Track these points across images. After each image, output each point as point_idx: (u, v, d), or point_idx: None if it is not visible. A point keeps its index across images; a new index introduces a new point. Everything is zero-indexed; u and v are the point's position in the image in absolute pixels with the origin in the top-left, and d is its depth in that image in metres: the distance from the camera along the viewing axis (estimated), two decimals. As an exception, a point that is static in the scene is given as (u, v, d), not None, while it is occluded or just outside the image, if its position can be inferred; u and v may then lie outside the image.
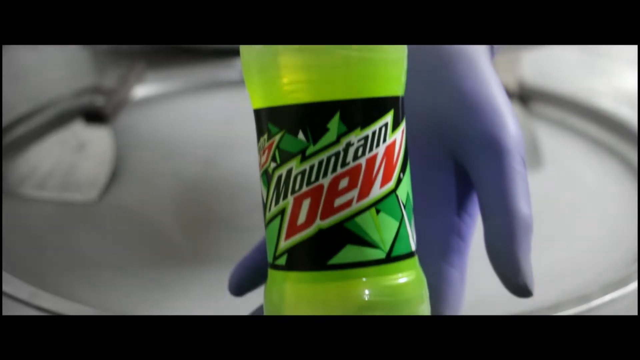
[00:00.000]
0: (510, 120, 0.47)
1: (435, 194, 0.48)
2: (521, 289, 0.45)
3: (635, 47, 0.91)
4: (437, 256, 0.47)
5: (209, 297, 0.57)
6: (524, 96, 0.85)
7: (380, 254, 0.42)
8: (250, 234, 0.51)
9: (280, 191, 0.43)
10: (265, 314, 0.44)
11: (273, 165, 0.43)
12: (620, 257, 0.62)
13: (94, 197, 0.70)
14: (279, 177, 0.43)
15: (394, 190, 0.43)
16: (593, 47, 0.97)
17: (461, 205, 0.48)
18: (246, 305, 0.49)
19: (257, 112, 0.44)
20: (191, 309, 0.57)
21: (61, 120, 0.79)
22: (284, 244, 0.43)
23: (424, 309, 0.44)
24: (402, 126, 0.44)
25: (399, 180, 0.43)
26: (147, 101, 0.87)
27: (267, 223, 0.44)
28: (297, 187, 0.42)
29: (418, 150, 0.48)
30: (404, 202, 0.44)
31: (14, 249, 0.63)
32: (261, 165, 0.44)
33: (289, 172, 0.43)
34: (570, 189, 0.73)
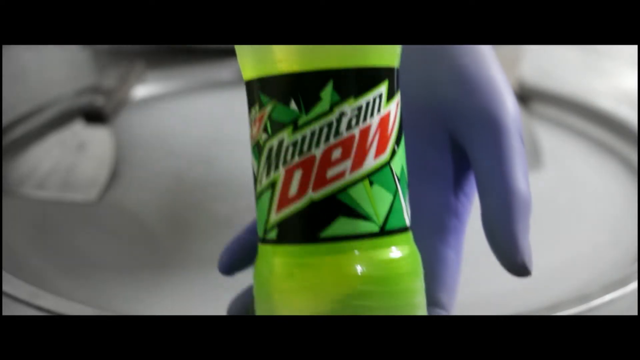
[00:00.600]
0: (508, 97, 0.46)
1: (432, 172, 0.47)
2: (519, 268, 0.44)
3: (635, 47, 0.91)
4: (433, 235, 0.47)
5: (209, 296, 0.57)
6: (524, 96, 0.85)
7: (373, 227, 0.42)
8: (250, 234, 0.51)
9: (271, 163, 0.42)
10: (255, 290, 0.44)
11: (264, 136, 0.42)
12: (620, 257, 0.62)
13: (94, 197, 0.70)
14: (270, 149, 0.42)
15: (388, 162, 0.42)
16: (593, 47, 0.97)
17: (458, 185, 0.47)
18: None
19: (249, 84, 0.43)
20: (191, 308, 0.57)
21: (61, 120, 0.79)
22: (274, 217, 0.42)
23: (418, 285, 0.43)
24: (397, 98, 0.43)
25: (394, 153, 0.43)
26: (147, 101, 0.87)
27: (258, 197, 0.43)
28: (288, 158, 0.42)
29: (415, 127, 0.47)
30: (399, 176, 0.43)
31: (14, 249, 0.63)
32: (252, 138, 0.43)
33: (280, 143, 0.42)
34: (570, 189, 0.73)
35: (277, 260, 0.42)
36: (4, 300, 0.54)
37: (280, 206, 0.42)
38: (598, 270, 0.60)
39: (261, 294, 0.43)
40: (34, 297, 0.54)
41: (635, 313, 0.54)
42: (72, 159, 0.75)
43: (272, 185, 0.42)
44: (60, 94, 0.82)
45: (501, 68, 0.48)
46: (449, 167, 0.47)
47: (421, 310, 0.43)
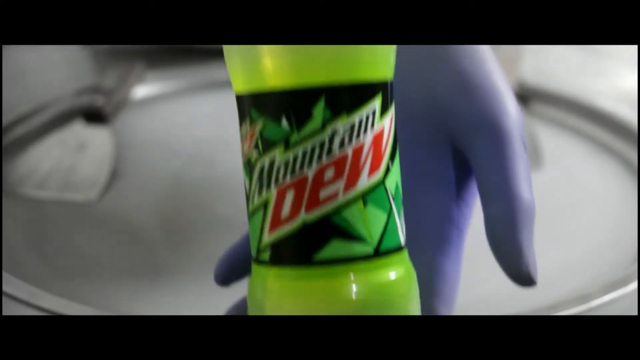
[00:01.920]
0: (509, 101, 0.45)
1: (431, 180, 0.46)
2: (524, 277, 0.43)
3: (635, 47, 0.91)
4: (433, 247, 0.46)
5: (209, 296, 0.57)
6: (524, 96, 0.85)
7: (368, 249, 0.41)
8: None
9: (263, 182, 0.41)
10: (249, 310, 0.44)
11: (255, 154, 0.41)
12: (620, 257, 0.62)
13: (94, 197, 0.70)
14: (262, 167, 0.41)
15: (382, 181, 0.41)
16: (593, 47, 0.97)
17: (459, 194, 0.46)
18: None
19: (239, 98, 0.42)
20: (191, 308, 0.57)
21: (61, 120, 0.79)
22: (267, 238, 0.42)
23: (414, 306, 0.43)
24: (391, 112, 0.42)
25: (388, 170, 0.42)
26: (147, 101, 0.87)
27: (250, 215, 0.42)
28: (280, 177, 0.41)
29: (414, 133, 0.46)
30: (393, 194, 0.42)
31: (14, 249, 0.63)
32: (243, 154, 0.42)
33: (272, 161, 0.41)
34: (570, 189, 0.73)
35: (270, 282, 0.42)
36: (4, 300, 0.54)
37: (273, 227, 0.41)
38: (598, 270, 0.60)
39: (255, 314, 0.43)
40: (34, 297, 0.54)
41: (635, 313, 0.54)
42: (72, 159, 0.75)
43: (264, 205, 0.41)
44: (60, 94, 0.83)
45: (502, 71, 0.47)
46: (450, 176, 0.46)
47: None
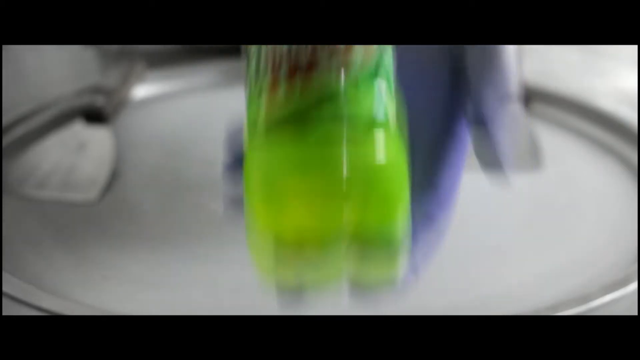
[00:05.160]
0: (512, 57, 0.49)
1: (433, 93, 0.49)
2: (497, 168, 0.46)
3: (635, 47, 0.91)
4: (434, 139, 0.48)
5: (210, 296, 0.57)
6: (524, 96, 0.85)
7: (361, 125, 0.42)
8: (250, 234, 0.51)
9: (260, 69, 0.43)
10: (246, 195, 0.45)
11: (254, 49, 0.44)
12: (620, 257, 0.62)
13: (94, 197, 0.70)
14: (259, 56, 0.43)
15: (375, 66, 0.43)
16: (593, 47, 0.97)
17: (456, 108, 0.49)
18: (248, 309, 0.49)
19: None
20: (192, 308, 0.57)
21: (61, 120, 0.79)
22: (262, 124, 0.43)
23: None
24: None
25: (380, 57, 0.43)
26: (147, 101, 0.87)
27: (248, 103, 0.45)
28: (276, 65, 0.43)
29: (420, 68, 0.48)
30: (387, 74, 0.43)
31: (14, 249, 0.63)
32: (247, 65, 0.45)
33: (274, 51, 0.43)
34: (570, 189, 0.72)
35: (264, 157, 0.43)
36: (4, 300, 0.54)
37: (268, 111, 0.43)
38: (598, 270, 0.60)
39: (250, 193, 0.44)
40: (34, 297, 0.54)
41: (635, 313, 0.54)
42: (72, 159, 0.75)
43: (259, 91, 0.44)
44: (60, 94, 0.82)
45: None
46: (450, 94, 0.49)
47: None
